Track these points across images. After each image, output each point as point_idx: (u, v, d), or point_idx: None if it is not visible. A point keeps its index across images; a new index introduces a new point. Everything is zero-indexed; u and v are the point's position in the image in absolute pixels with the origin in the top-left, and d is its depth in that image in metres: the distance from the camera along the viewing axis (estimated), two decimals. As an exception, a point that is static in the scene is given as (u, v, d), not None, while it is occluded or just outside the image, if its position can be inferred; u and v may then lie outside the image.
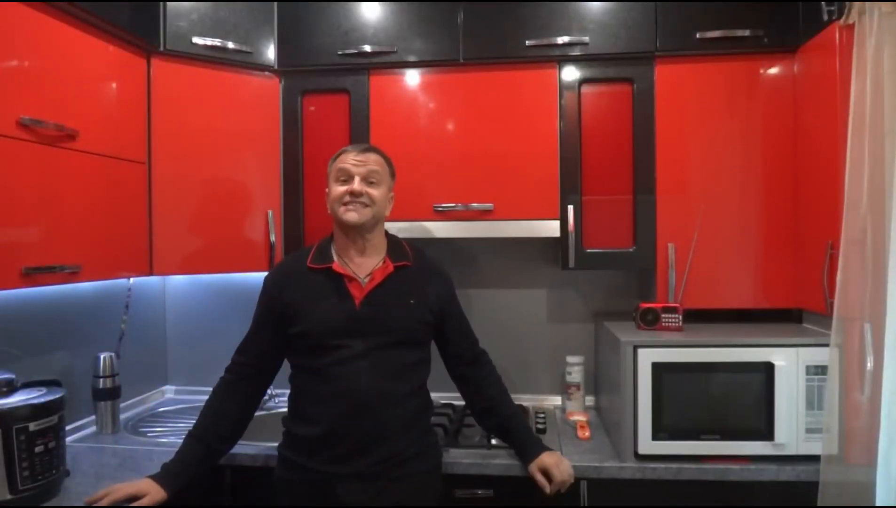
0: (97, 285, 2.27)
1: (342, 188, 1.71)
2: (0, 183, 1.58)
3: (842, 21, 1.77)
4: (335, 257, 1.75)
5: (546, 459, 1.78)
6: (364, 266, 1.74)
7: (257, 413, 2.43)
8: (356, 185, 1.69)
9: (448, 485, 1.85)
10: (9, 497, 1.49)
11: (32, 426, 1.53)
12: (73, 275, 1.80)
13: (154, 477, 1.63)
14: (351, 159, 1.72)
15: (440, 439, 1.94)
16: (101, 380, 2.18)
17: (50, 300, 2.07)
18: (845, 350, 1.75)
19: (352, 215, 1.69)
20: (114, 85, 2.00)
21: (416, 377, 1.75)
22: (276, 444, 1.82)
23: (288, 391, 1.78)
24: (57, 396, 1.62)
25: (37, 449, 1.54)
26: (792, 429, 1.85)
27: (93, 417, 2.20)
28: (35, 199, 1.69)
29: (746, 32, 2.11)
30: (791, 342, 1.88)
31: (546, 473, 1.76)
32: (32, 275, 1.66)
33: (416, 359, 1.75)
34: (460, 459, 1.90)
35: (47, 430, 1.57)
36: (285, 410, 1.80)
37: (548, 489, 1.74)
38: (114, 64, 2.00)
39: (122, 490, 1.58)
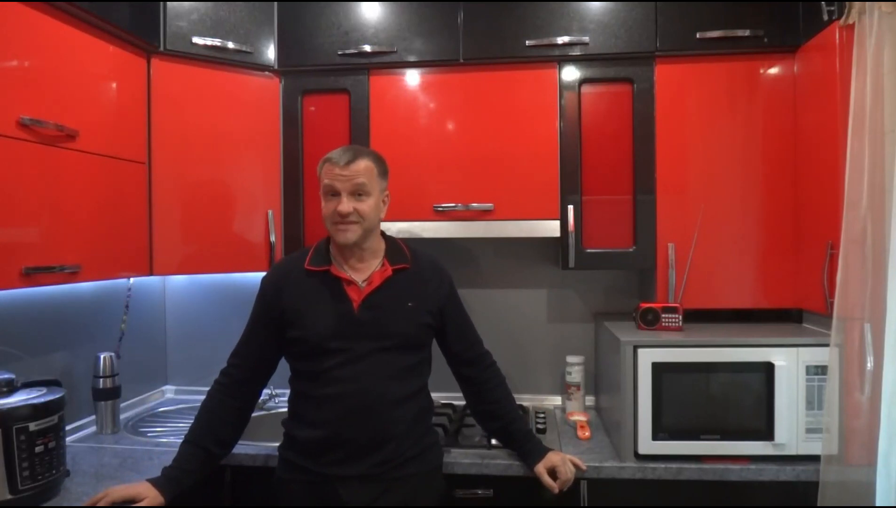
0: (97, 285, 2.27)
1: (330, 207, 1.67)
2: (0, 183, 1.58)
3: (842, 21, 1.77)
4: (333, 260, 1.73)
5: (553, 458, 1.78)
6: (363, 270, 1.73)
7: (257, 413, 2.44)
8: (344, 205, 1.64)
9: (448, 485, 1.85)
10: (9, 496, 1.49)
11: (32, 426, 1.53)
12: (73, 275, 1.80)
13: (153, 481, 1.62)
14: (337, 174, 1.65)
15: (440, 439, 1.94)
16: (101, 380, 2.17)
17: (50, 300, 2.07)
18: (845, 350, 1.75)
19: (342, 237, 1.66)
20: (114, 85, 2.00)
21: (416, 379, 1.74)
22: (276, 444, 1.81)
23: (288, 392, 1.78)
24: (57, 396, 1.62)
25: (37, 449, 1.54)
26: (792, 429, 1.85)
27: (93, 417, 2.20)
28: (35, 199, 1.69)
29: (746, 32, 2.11)
30: (791, 342, 1.88)
31: (553, 472, 1.76)
32: (32, 275, 1.66)
33: (416, 361, 1.74)
34: (460, 459, 1.90)
35: (47, 430, 1.57)
36: (285, 410, 1.80)
37: (556, 489, 1.74)
38: (114, 64, 2.00)
39: (119, 491, 1.57)
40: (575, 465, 1.80)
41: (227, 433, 1.76)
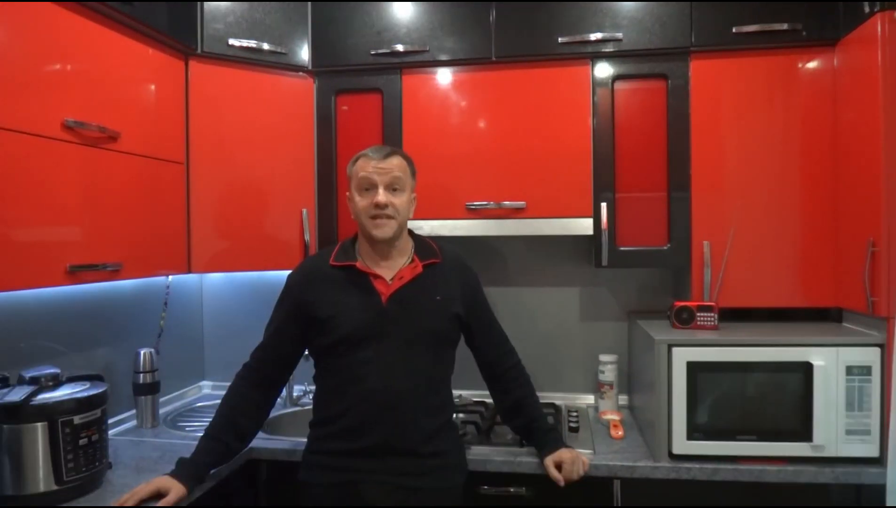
0: (137, 283, 2.32)
1: (367, 200, 1.68)
2: (46, 184, 1.63)
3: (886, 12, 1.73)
4: (358, 257, 1.74)
5: (564, 454, 1.78)
6: (388, 268, 1.73)
7: (291, 409, 2.48)
8: (381, 197, 1.66)
9: (480, 482, 1.86)
10: (55, 487, 1.54)
11: (77, 420, 1.58)
12: (115, 273, 1.85)
13: (173, 475, 1.62)
14: (373, 167, 1.68)
15: (473, 437, 1.94)
16: (142, 375, 2.23)
17: (93, 298, 2.13)
18: (887, 350, 1.71)
19: (380, 232, 1.67)
20: (153, 87, 2.05)
21: (442, 375, 1.75)
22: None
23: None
24: (100, 390, 1.66)
25: (81, 442, 1.58)
26: (831, 431, 1.82)
27: (133, 411, 2.26)
28: (79, 199, 1.74)
29: (784, 26, 2.06)
30: (831, 342, 1.84)
31: (560, 467, 1.76)
32: (76, 273, 1.70)
33: (443, 356, 1.75)
34: (493, 457, 1.90)
35: (91, 423, 1.61)
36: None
37: (562, 482, 1.74)
38: (153, 66, 2.05)
39: (143, 489, 1.57)
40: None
41: (247, 427, 1.77)
